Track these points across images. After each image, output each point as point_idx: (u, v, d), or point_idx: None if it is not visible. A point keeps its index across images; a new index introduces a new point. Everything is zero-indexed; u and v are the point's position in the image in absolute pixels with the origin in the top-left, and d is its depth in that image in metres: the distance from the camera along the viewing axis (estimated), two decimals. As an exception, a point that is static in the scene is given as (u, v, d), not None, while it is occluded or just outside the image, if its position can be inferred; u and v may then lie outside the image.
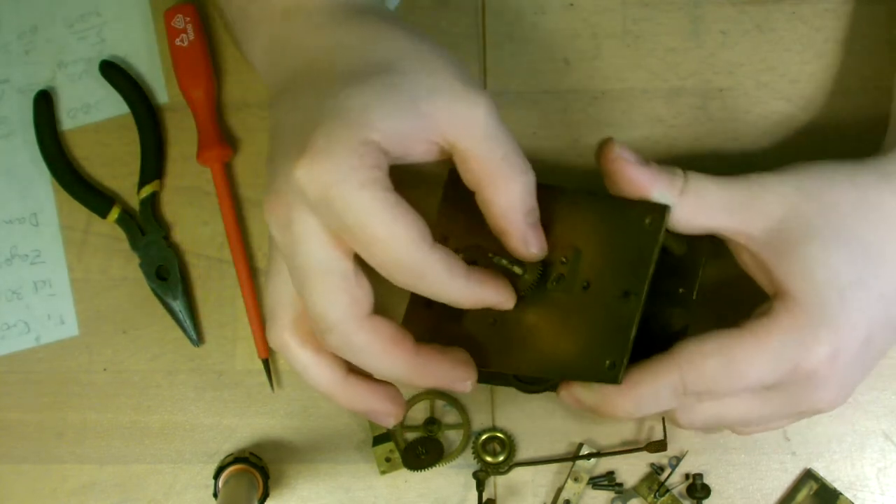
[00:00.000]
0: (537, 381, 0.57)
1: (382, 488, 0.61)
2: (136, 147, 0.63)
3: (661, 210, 0.49)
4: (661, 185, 0.50)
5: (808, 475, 0.60)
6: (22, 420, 0.63)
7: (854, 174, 0.52)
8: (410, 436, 0.61)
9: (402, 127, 0.46)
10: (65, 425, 0.63)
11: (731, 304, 0.53)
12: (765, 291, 0.52)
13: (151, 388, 0.63)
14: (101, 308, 0.63)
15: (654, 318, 0.53)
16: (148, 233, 0.63)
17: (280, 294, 0.50)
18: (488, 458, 0.60)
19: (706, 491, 0.59)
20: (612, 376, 0.48)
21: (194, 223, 0.63)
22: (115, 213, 0.63)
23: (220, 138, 0.63)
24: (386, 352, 0.48)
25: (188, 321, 0.62)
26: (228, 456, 0.61)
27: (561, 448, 0.61)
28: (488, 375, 0.58)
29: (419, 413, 0.62)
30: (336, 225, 0.45)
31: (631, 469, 0.60)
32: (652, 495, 0.60)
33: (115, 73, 0.64)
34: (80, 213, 0.63)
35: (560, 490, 0.60)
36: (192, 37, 0.62)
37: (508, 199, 0.48)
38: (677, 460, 0.60)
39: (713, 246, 0.53)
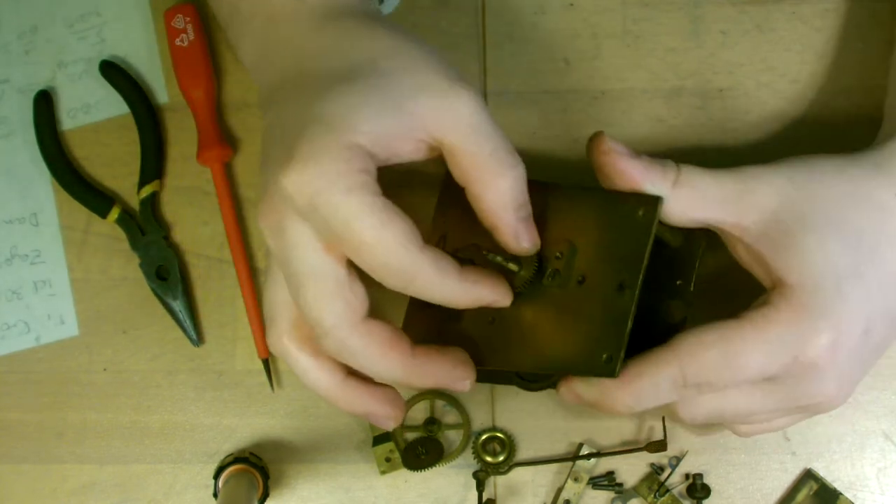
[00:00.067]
0: (539, 379, 0.57)
1: (382, 488, 0.61)
2: (136, 147, 0.63)
3: (654, 202, 0.49)
4: (654, 176, 0.50)
5: (808, 475, 0.60)
6: (22, 420, 0.63)
7: (845, 166, 0.52)
8: (410, 436, 0.61)
9: (388, 128, 0.46)
10: (65, 425, 0.63)
11: (729, 294, 0.54)
12: (762, 284, 0.52)
13: (151, 388, 0.63)
14: (101, 308, 0.63)
15: (652, 311, 0.53)
16: (148, 233, 0.63)
17: (278, 299, 0.50)
18: (488, 458, 0.60)
19: (706, 491, 0.59)
20: (609, 370, 0.48)
21: (194, 223, 0.64)
22: (115, 213, 0.63)
23: (220, 138, 0.63)
24: (382, 355, 0.48)
25: (188, 321, 0.62)
26: (228, 456, 0.61)
27: (561, 448, 0.61)
28: (489, 374, 0.58)
29: (419, 413, 0.62)
30: (326, 231, 0.45)
31: (631, 469, 0.60)
32: (652, 495, 0.60)
33: (115, 73, 0.64)
34: (80, 213, 0.63)
35: (560, 490, 0.60)
36: (192, 37, 0.62)
37: (498, 193, 0.48)
38: (677, 460, 0.60)
39: (709, 237, 0.54)
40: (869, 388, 0.60)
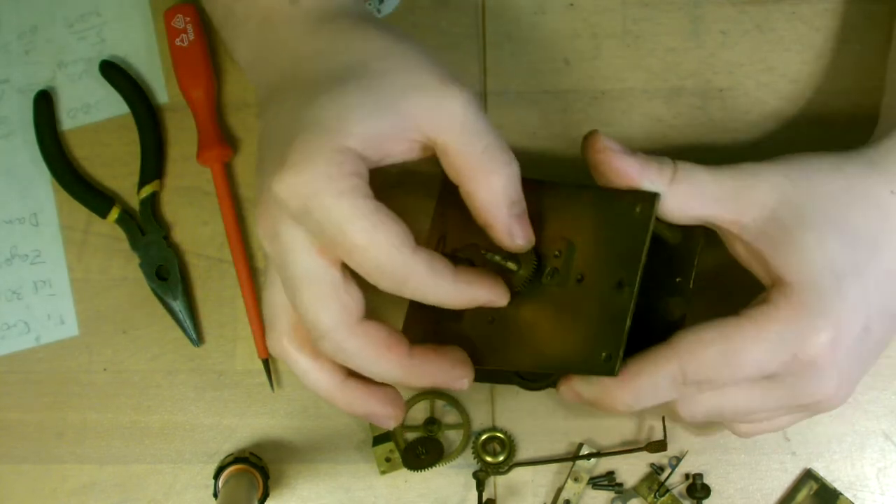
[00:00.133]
0: (538, 378, 0.57)
1: (382, 488, 0.61)
2: (136, 147, 0.63)
3: (651, 198, 0.49)
4: (650, 173, 0.50)
5: (808, 475, 0.60)
6: (22, 420, 0.63)
7: (841, 163, 0.52)
8: (410, 436, 0.61)
9: (379, 129, 0.46)
10: (65, 425, 0.63)
11: (729, 291, 0.54)
12: (761, 282, 0.52)
13: (151, 388, 0.63)
14: (101, 308, 0.63)
15: (651, 309, 0.53)
16: (148, 233, 0.63)
17: (276, 302, 0.50)
18: (488, 458, 0.60)
19: (706, 491, 0.59)
20: (608, 368, 0.48)
21: (194, 223, 0.64)
22: (115, 213, 0.63)
23: (220, 138, 0.63)
24: (380, 355, 0.48)
25: (188, 321, 0.62)
26: (228, 456, 0.61)
27: (561, 448, 0.61)
28: (489, 374, 0.58)
29: (419, 413, 0.62)
30: (319, 235, 0.46)
31: (631, 469, 0.60)
32: (652, 495, 0.60)
33: (115, 73, 0.64)
34: (80, 213, 0.63)
35: (560, 490, 0.60)
36: (192, 37, 0.62)
37: (491, 191, 0.48)
38: (677, 460, 0.60)
39: (708, 234, 0.54)
40: (869, 388, 0.60)
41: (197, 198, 0.64)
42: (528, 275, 0.51)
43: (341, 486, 0.61)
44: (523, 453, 0.61)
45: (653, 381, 0.49)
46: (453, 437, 0.61)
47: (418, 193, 0.57)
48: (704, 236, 0.54)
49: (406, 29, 0.63)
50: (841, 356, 0.49)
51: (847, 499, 0.59)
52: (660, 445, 0.57)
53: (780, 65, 0.62)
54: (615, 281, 0.49)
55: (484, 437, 0.61)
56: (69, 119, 0.65)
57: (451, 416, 0.62)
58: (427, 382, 0.50)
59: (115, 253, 0.63)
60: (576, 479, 0.60)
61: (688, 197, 0.51)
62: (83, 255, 0.64)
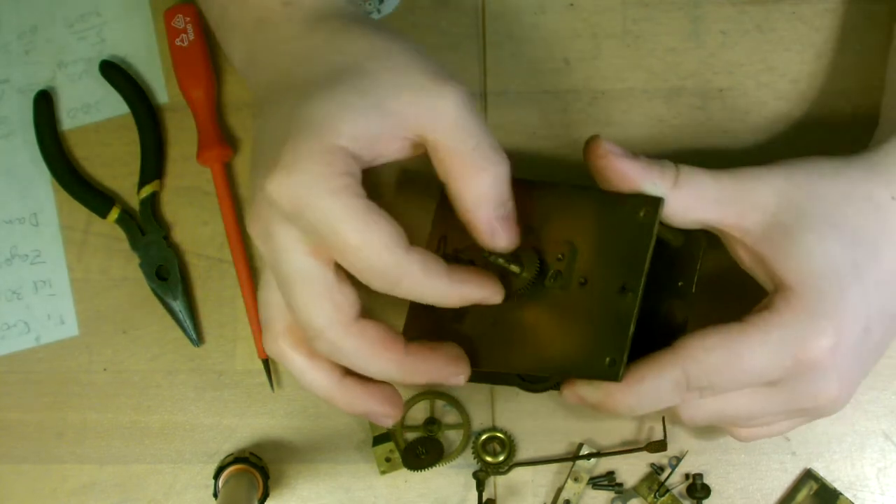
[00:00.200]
0: (540, 380, 0.57)
1: (382, 488, 0.61)
2: (136, 147, 0.63)
3: (655, 203, 0.49)
4: (654, 176, 0.50)
5: (808, 475, 0.60)
6: (22, 420, 0.63)
7: (843, 167, 0.52)
8: (410, 436, 0.61)
9: (370, 128, 0.46)
10: (65, 425, 0.63)
11: (731, 294, 0.53)
12: (763, 287, 0.52)
13: (151, 388, 0.63)
14: (101, 308, 0.63)
15: (653, 312, 0.53)
16: (148, 233, 0.63)
17: (272, 303, 0.50)
18: (488, 458, 0.60)
19: (706, 491, 0.59)
20: (612, 373, 0.48)
21: (194, 223, 0.64)
22: (115, 213, 0.63)
23: (220, 138, 0.63)
24: (375, 354, 0.48)
25: (188, 321, 0.62)
26: (228, 456, 0.61)
27: (561, 448, 0.61)
28: (490, 375, 0.58)
29: (419, 413, 0.62)
30: (312, 234, 0.46)
31: (631, 469, 0.60)
32: (652, 495, 0.60)
33: (115, 73, 0.64)
34: (80, 213, 0.63)
35: (560, 490, 0.60)
36: (192, 37, 0.62)
37: (477, 190, 0.47)
38: (677, 460, 0.60)
39: (710, 237, 0.53)
40: (869, 388, 0.60)
41: (197, 198, 0.64)
42: (530, 278, 0.51)
43: (341, 486, 0.61)
44: (523, 453, 0.61)
45: (656, 386, 0.49)
46: (453, 437, 0.61)
47: (420, 194, 0.57)
48: (706, 239, 0.54)
49: (406, 29, 0.63)
50: (842, 359, 0.49)
51: (847, 499, 0.59)
52: (660, 445, 0.57)
53: (780, 65, 0.62)
54: (618, 285, 0.49)
55: (484, 437, 0.61)
56: (69, 119, 0.65)
57: (451, 416, 0.62)
58: (423, 379, 0.49)
59: (115, 253, 0.63)
60: (576, 479, 0.60)
61: (690, 201, 0.50)
62: (83, 255, 0.64)
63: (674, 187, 0.50)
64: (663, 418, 0.58)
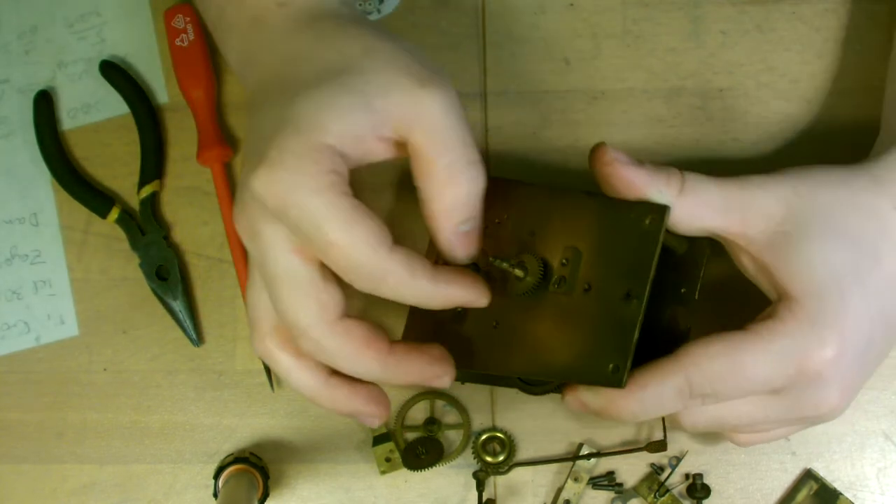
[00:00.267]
0: (541, 383, 0.57)
1: (382, 488, 0.61)
2: (136, 147, 0.63)
3: (661, 210, 0.49)
4: (659, 184, 0.50)
5: (808, 475, 0.60)
6: (22, 420, 0.63)
7: (845, 177, 0.52)
8: (410, 436, 0.61)
9: (356, 127, 0.46)
10: (65, 425, 0.63)
11: (734, 302, 0.53)
12: (767, 296, 0.52)
13: (151, 388, 0.63)
14: (101, 308, 0.63)
15: (656, 319, 0.53)
16: (148, 233, 0.63)
17: (259, 303, 0.50)
18: (488, 458, 0.60)
19: (706, 491, 0.59)
20: (615, 380, 0.48)
21: (194, 223, 0.64)
22: (115, 213, 0.63)
23: (220, 138, 0.63)
24: (359, 353, 0.48)
25: (188, 321, 0.62)
26: (228, 456, 0.61)
27: (561, 448, 0.61)
28: (491, 377, 0.58)
29: (419, 413, 0.62)
30: (297, 232, 0.46)
31: (631, 469, 0.60)
32: (652, 495, 0.60)
33: (115, 73, 0.64)
34: (80, 213, 0.63)
35: (560, 490, 0.60)
36: (192, 37, 0.62)
37: (445, 203, 0.47)
38: (677, 460, 0.60)
39: (713, 244, 0.53)
40: (869, 388, 0.60)
41: (197, 198, 0.64)
42: (534, 282, 0.51)
43: (341, 486, 0.61)
44: (523, 453, 0.61)
45: (659, 393, 0.49)
46: (453, 437, 0.61)
47: (413, 194, 0.57)
48: (710, 247, 0.54)
49: (406, 29, 0.63)
50: (845, 368, 0.49)
51: (847, 499, 0.59)
52: (660, 445, 0.57)
53: (780, 65, 0.62)
54: (623, 292, 0.49)
55: (484, 437, 0.61)
56: (69, 119, 0.65)
57: (451, 416, 0.62)
58: (407, 380, 0.49)
59: (115, 253, 0.63)
60: (576, 479, 0.60)
61: (695, 208, 0.50)
62: (83, 255, 0.64)
63: (679, 195, 0.50)
64: (663, 419, 0.58)
